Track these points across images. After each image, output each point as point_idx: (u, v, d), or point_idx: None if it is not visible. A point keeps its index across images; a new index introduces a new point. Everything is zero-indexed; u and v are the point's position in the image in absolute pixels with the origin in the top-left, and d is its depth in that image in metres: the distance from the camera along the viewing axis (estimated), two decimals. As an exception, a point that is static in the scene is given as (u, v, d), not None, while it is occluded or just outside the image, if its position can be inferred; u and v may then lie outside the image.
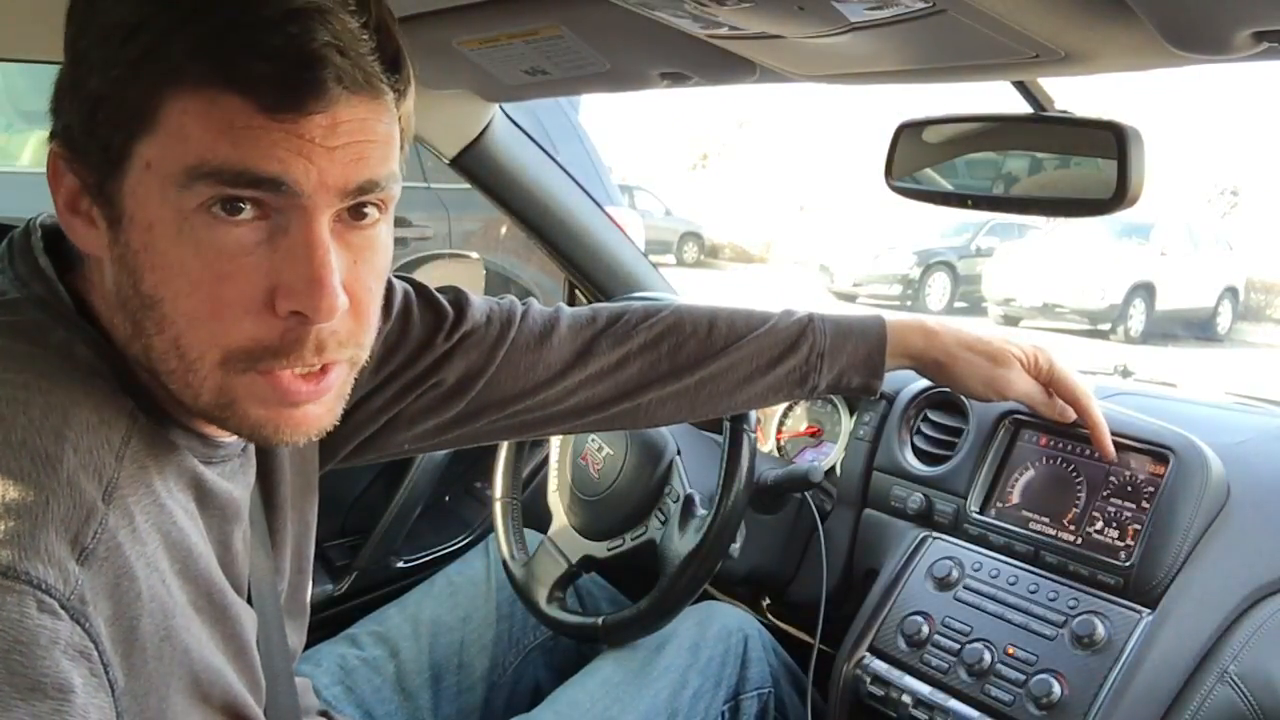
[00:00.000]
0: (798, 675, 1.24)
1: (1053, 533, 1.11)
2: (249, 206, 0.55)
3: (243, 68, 0.53)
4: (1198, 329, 11.24)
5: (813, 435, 1.47)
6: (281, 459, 0.78)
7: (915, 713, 1.07)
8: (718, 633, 1.20)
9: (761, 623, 1.28)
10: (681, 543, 1.15)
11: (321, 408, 0.61)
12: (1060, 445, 1.15)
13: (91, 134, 0.56)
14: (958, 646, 1.08)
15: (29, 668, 0.49)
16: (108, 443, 0.56)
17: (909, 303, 11.96)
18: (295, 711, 0.77)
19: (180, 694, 0.58)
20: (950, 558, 1.16)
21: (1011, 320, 11.13)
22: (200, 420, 0.63)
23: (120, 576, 0.54)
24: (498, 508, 1.35)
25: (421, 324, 0.92)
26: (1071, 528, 1.10)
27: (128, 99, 0.54)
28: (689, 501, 1.18)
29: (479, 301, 0.97)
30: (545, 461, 1.41)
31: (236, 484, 0.68)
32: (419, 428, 0.93)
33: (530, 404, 0.95)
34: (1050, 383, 1.06)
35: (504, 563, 1.31)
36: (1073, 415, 1.07)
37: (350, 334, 0.60)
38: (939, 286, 12.22)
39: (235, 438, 0.66)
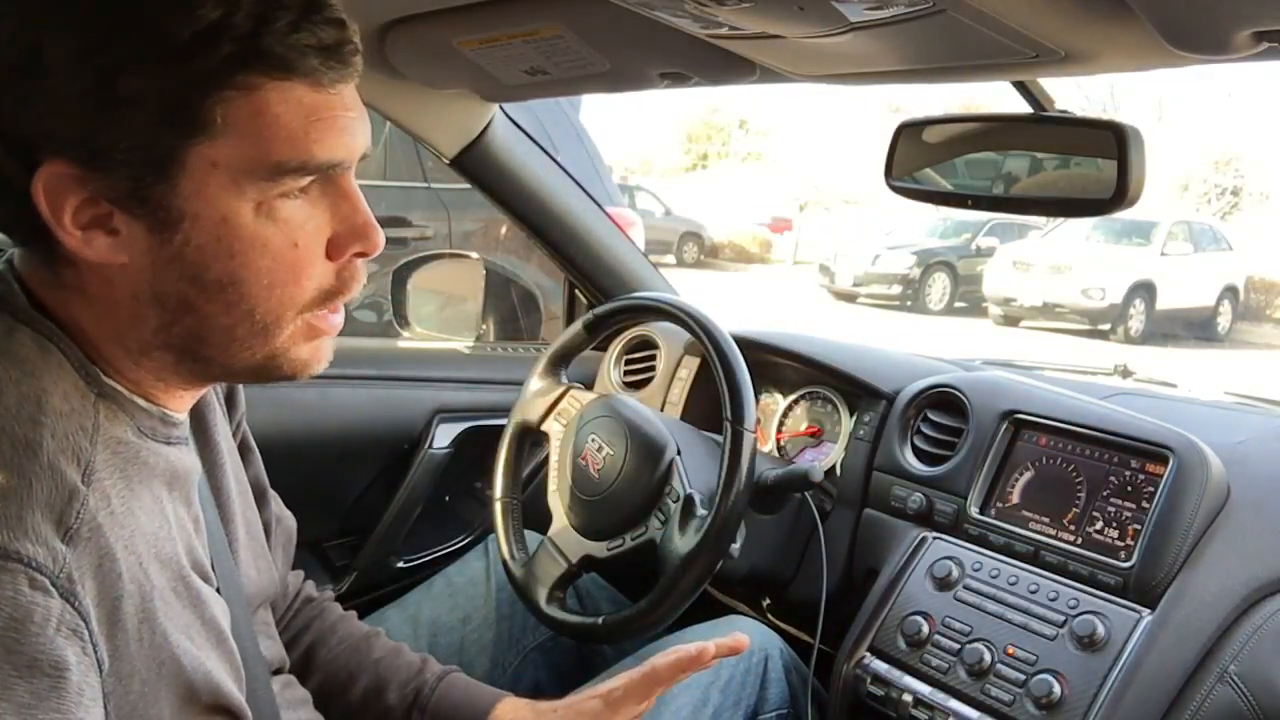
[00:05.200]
0: (818, 692, 1.23)
1: (1053, 533, 1.11)
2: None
3: (298, 60, 0.58)
4: (1198, 329, 11.23)
5: (813, 435, 1.47)
6: (221, 450, 0.80)
7: (915, 713, 1.07)
8: None
9: (775, 632, 1.26)
10: (681, 543, 1.15)
11: (333, 340, 0.68)
12: (1060, 445, 1.14)
13: (132, 146, 0.56)
14: (958, 646, 1.08)
15: (25, 645, 0.50)
16: (82, 428, 0.58)
17: (909, 303, 11.96)
18: (272, 703, 0.78)
19: (163, 681, 0.59)
20: (950, 558, 1.16)
21: (1011, 320, 11.13)
22: (178, 396, 0.67)
23: (102, 557, 0.56)
24: (498, 508, 1.34)
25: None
26: (1071, 528, 1.10)
27: (178, 104, 0.56)
28: (689, 501, 1.18)
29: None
30: (545, 461, 1.41)
31: (193, 462, 0.71)
32: None
33: None
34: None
35: (504, 563, 1.31)
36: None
37: (365, 268, 0.68)
38: (939, 286, 12.21)
39: (186, 415, 0.70)
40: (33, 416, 0.56)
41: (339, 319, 0.67)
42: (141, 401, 0.65)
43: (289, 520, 0.96)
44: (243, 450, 0.89)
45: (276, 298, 0.62)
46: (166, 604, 0.61)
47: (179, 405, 0.68)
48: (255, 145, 0.58)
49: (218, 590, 0.70)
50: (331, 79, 0.60)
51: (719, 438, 1.16)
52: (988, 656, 1.05)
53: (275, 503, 0.94)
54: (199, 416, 0.78)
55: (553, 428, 1.34)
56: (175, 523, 0.65)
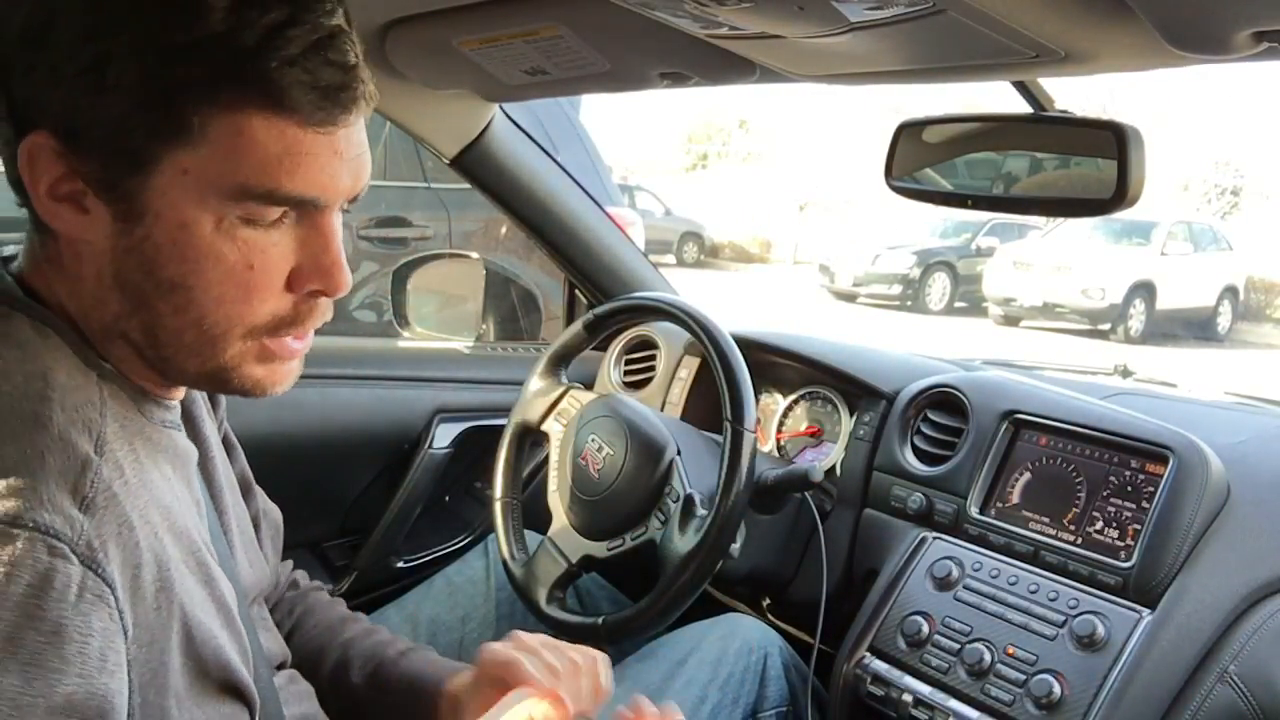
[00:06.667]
0: (818, 691, 1.23)
1: (1053, 533, 1.11)
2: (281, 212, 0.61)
3: (289, 92, 0.57)
4: (1198, 329, 11.23)
5: (813, 435, 1.47)
6: (210, 444, 0.81)
7: (915, 713, 1.07)
8: (739, 649, 1.19)
9: (777, 632, 1.26)
10: (681, 543, 1.15)
11: (297, 364, 0.68)
12: (1060, 445, 1.14)
13: (108, 133, 0.57)
14: (958, 646, 1.08)
15: (48, 610, 0.51)
16: (90, 401, 0.60)
17: (909, 303, 11.95)
18: (275, 697, 0.78)
19: (178, 650, 0.60)
20: (950, 558, 1.16)
21: (1011, 320, 11.13)
22: (161, 384, 0.67)
23: (120, 525, 0.56)
24: (498, 508, 1.34)
25: None
26: (1071, 528, 1.10)
27: (163, 109, 0.57)
28: (689, 501, 1.18)
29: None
30: (545, 461, 1.41)
31: (190, 446, 0.72)
32: None
33: None
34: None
35: (504, 563, 1.31)
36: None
37: (331, 305, 0.68)
38: (939, 286, 12.21)
39: (178, 401, 0.71)
40: (40, 392, 0.57)
41: (300, 345, 0.67)
42: (139, 382, 0.66)
43: (275, 513, 0.96)
44: (226, 446, 0.89)
45: (224, 312, 0.62)
46: (181, 575, 0.61)
47: (165, 393, 0.69)
48: (226, 162, 0.58)
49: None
50: (320, 119, 0.59)
51: (719, 438, 1.16)
52: (988, 656, 1.05)
53: (260, 496, 0.94)
54: (187, 411, 0.79)
55: (553, 428, 1.34)
56: (183, 499, 0.66)
